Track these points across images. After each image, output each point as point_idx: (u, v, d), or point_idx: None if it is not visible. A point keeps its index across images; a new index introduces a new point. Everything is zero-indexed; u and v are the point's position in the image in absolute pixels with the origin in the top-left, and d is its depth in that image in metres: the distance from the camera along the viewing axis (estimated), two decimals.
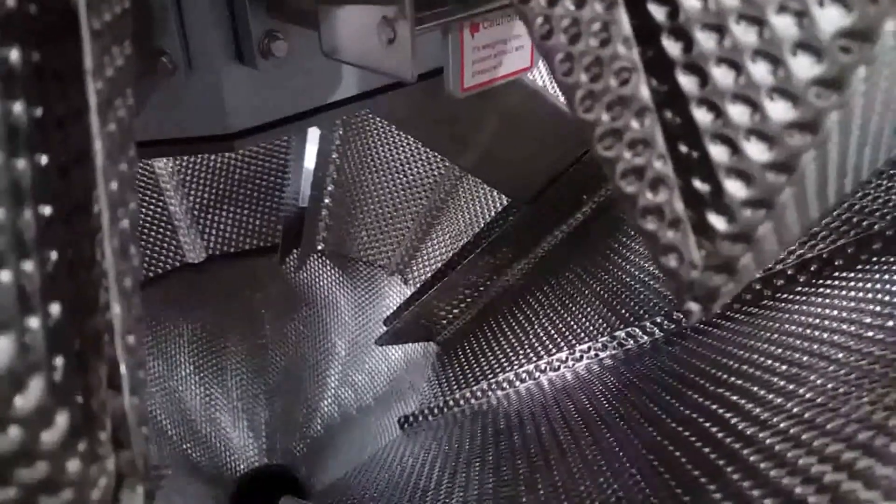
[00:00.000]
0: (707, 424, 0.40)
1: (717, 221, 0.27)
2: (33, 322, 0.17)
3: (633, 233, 0.78)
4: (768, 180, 0.25)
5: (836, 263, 0.54)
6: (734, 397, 0.41)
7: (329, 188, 1.15)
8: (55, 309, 0.18)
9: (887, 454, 0.30)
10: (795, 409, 0.37)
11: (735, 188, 0.26)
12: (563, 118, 0.83)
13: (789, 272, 0.57)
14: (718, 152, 0.25)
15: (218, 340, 1.09)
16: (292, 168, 1.19)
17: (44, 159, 0.19)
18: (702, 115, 0.25)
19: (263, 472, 1.02)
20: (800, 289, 0.55)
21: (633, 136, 0.26)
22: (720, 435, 0.39)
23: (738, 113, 0.25)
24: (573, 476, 0.43)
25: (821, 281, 0.54)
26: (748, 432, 0.38)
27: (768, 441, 0.36)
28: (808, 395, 0.38)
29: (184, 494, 0.95)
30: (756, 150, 0.25)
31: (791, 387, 0.39)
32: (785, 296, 0.55)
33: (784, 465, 0.33)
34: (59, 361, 0.18)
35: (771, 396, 0.39)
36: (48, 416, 0.18)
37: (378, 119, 1.16)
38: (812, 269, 0.56)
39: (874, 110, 0.29)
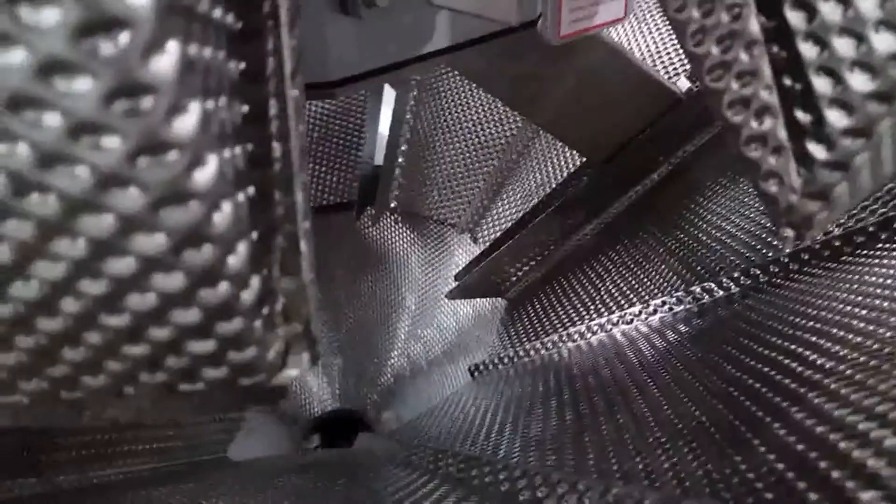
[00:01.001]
0: (786, 362, 0.42)
1: (817, 150, 0.28)
2: (241, 196, 0.21)
3: (710, 193, 0.79)
4: (868, 110, 0.27)
5: None
6: (813, 338, 0.43)
7: (403, 148, 1.18)
8: (252, 191, 0.22)
9: None
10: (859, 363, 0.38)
11: (836, 118, 0.28)
12: (642, 79, 0.84)
13: (871, 229, 0.57)
14: (822, 84, 0.27)
15: None
16: (368, 128, 1.23)
17: (242, 65, 0.22)
18: (808, 49, 0.27)
19: (337, 415, 1.07)
20: (881, 245, 0.56)
21: (741, 68, 0.28)
22: (798, 370, 0.40)
23: (843, 46, 0.26)
24: (653, 406, 0.46)
25: None
26: (816, 376, 0.39)
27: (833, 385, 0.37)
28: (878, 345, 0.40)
29: (263, 432, 1.01)
30: (859, 81, 0.26)
31: (870, 328, 0.40)
32: (865, 251, 0.56)
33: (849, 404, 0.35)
34: (254, 235, 0.22)
35: (850, 336, 0.41)
36: (247, 278, 0.21)
37: (452, 80, 1.19)
38: (894, 226, 0.56)
39: None
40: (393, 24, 0.55)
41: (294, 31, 0.23)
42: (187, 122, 0.17)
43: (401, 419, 1.00)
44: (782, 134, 0.28)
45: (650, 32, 1.00)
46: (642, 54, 1.00)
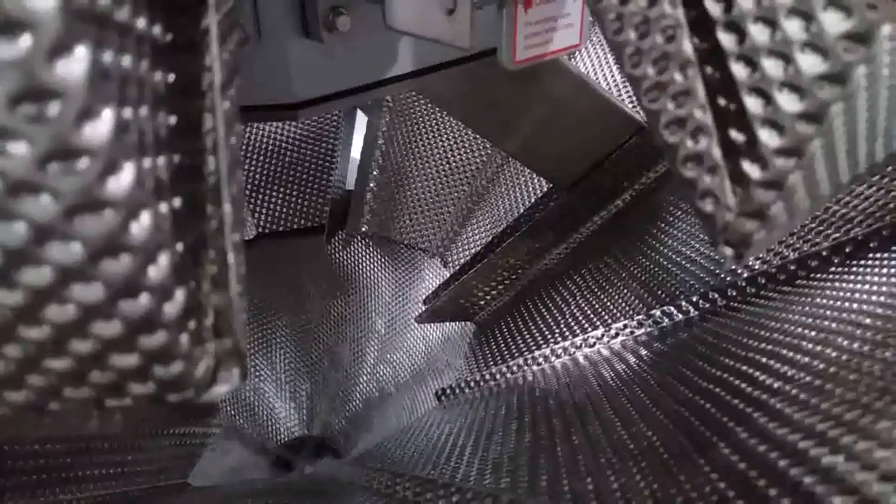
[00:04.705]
0: (737, 383, 0.42)
1: (752, 169, 0.29)
2: (164, 207, 0.20)
3: (671, 219, 0.80)
4: (799, 130, 0.27)
5: (872, 245, 0.56)
6: (764, 359, 0.43)
7: (374, 173, 1.18)
8: (178, 202, 0.22)
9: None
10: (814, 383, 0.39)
11: (768, 137, 0.28)
12: (606, 106, 0.85)
13: (824, 254, 0.58)
14: (754, 104, 0.28)
15: (265, 314, 1.13)
16: (340, 153, 1.23)
17: (171, 77, 0.22)
18: (739, 70, 0.28)
19: (304, 441, 1.05)
20: (833, 269, 0.57)
21: (676, 89, 0.29)
22: (747, 391, 0.41)
23: (772, 67, 0.27)
24: (608, 427, 0.46)
25: (854, 262, 0.56)
26: (765, 396, 0.40)
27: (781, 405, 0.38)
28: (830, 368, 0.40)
29: (227, 457, 0.99)
30: (788, 101, 0.27)
31: (818, 348, 0.41)
32: (818, 275, 0.57)
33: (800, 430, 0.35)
34: (179, 247, 0.21)
35: (799, 357, 0.41)
36: (170, 290, 0.21)
37: (423, 107, 1.20)
38: (847, 251, 0.57)
39: None
40: (355, 49, 0.56)
41: (226, 44, 0.23)
42: (99, 129, 0.17)
43: (368, 444, 0.99)
44: (717, 153, 0.29)
45: (615, 63, 1.02)
46: (607, 84, 1.02)
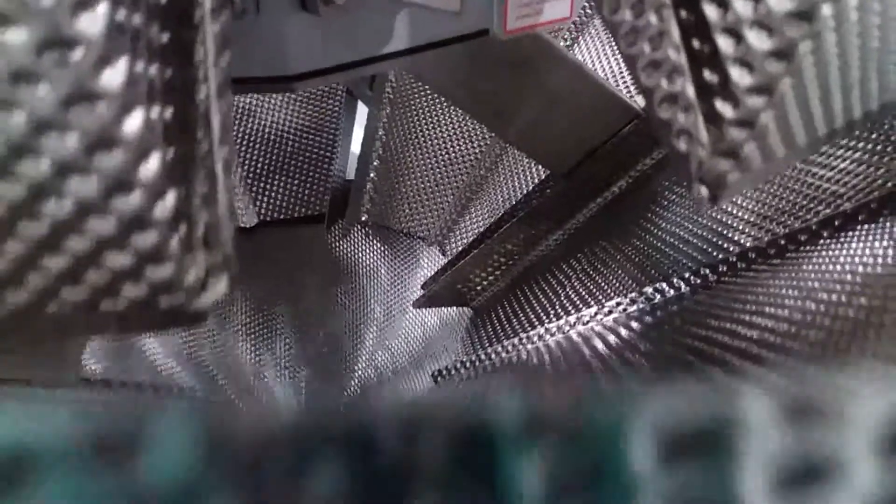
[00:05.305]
0: (720, 337, 0.43)
1: (724, 108, 0.30)
2: (156, 110, 0.22)
3: (666, 203, 0.81)
4: (768, 68, 0.29)
5: (860, 218, 0.57)
6: (746, 317, 0.44)
7: (375, 163, 1.20)
8: (169, 114, 0.23)
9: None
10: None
11: (739, 76, 0.29)
12: (603, 94, 0.86)
13: (813, 228, 0.59)
14: (725, 44, 0.29)
15: (265, 300, 1.14)
16: (341, 143, 1.25)
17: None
18: (712, 11, 0.29)
19: None
20: (822, 242, 0.58)
21: (652, 32, 0.30)
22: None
23: (742, 6, 0.28)
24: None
25: (843, 234, 0.57)
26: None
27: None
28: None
29: None
30: (758, 40, 0.28)
31: (799, 303, 0.42)
32: (808, 248, 0.58)
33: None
34: (171, 151, 0.23)
35: (780, 312, 0.42)
36: (161, 190, 0.22)
37: (423, 98, 1.21)
38: (836, 224, 0.58)
39: (874, 22, 0.32)
40: (352, 23, 0.57)
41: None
42: (93, 22, 0.18)
43: None
44: (691, 92, 0.30)
45: (613, 54, 1.03)
46: (604, 73, 1.03)
